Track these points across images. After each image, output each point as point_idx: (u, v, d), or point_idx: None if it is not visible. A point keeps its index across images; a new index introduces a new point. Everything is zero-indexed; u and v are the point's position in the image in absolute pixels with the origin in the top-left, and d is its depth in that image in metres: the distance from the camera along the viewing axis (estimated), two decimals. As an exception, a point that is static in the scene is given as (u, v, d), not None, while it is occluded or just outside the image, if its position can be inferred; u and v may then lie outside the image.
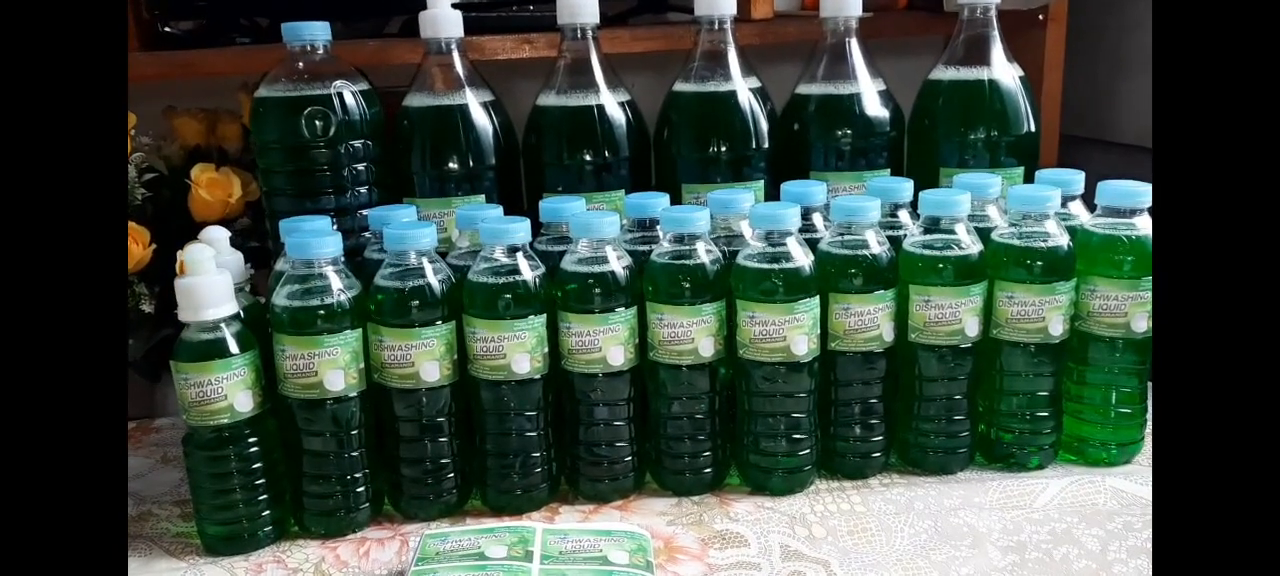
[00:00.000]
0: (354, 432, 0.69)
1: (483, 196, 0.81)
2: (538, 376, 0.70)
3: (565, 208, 0.74)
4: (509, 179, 0.84)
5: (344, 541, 0.69)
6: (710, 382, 0.72)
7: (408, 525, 0.71)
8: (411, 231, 0.67)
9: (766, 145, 0.82)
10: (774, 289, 0.69)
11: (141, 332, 0.94)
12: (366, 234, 0.78)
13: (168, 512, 0.74)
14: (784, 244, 0.69)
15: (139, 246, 0.91)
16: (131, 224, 0.92)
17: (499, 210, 0.75)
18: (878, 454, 0.76)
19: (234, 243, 1.02)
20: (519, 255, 0.69)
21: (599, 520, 0.71)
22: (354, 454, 0.69)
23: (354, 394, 0.68)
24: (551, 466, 0.73)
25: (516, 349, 0.68)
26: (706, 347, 0.71)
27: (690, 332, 0.70)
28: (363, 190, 0.80)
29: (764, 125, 0.83)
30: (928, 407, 0.75)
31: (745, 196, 0.75)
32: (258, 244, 0.90)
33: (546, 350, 0.70)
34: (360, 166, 0.79)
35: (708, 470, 0.74)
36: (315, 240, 0.66)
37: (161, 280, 0.89)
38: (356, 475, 0.70)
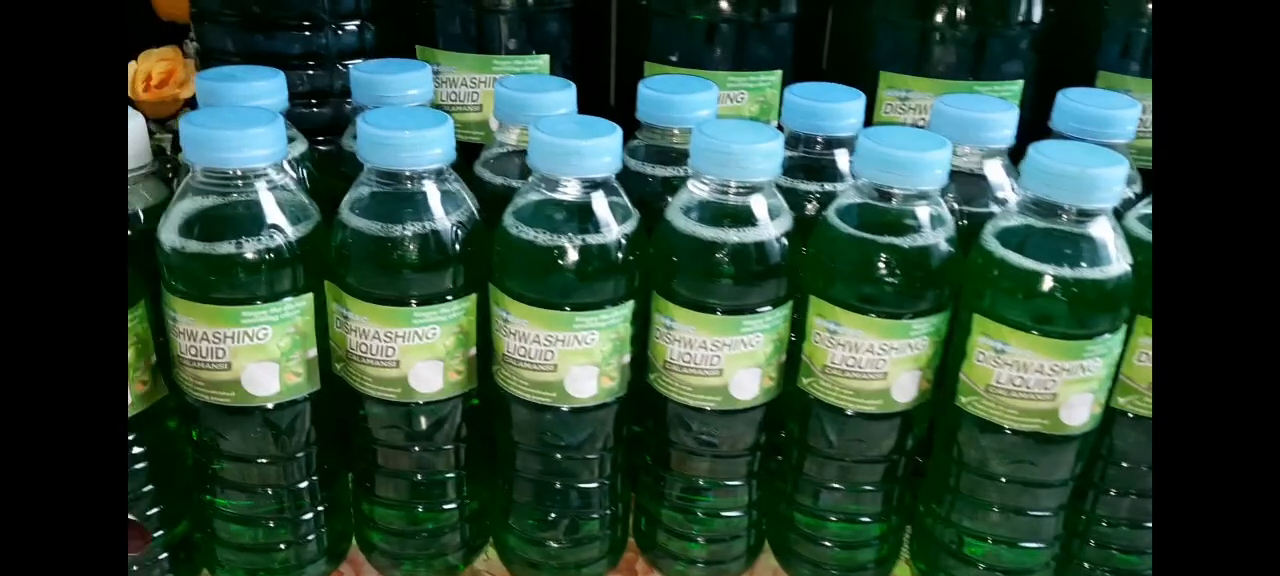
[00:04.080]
0: (300, 457, 0.42)
1: (545, 59, 0.49)
2: (611, 400, 0.41)
3: (676, 99, 0.43)
4: (590, 36, 0.52)
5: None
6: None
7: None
8: (397, 137, 0.37)
9: (1037, 18, 0.48)
10: (1053, 313, 0.37)
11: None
12: (351, 105, 0.47)
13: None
14: (1085, 226, 0.37)
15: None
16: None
17: (569, 93, 0.43)
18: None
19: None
20: (598, 194, 0.38)
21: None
22: (300, 485, 0.42)
23: (301, 398, 0.40)
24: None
25: (576, 358, 0.39)
26: (905, 388, 0.40)
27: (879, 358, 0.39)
28: (351, 28, 0.48)
29: (1036, -16, 0.48)
30: None
31: (1003, 116, 0.42)
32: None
33: (627, 359, 0.41)
34: (348, -12, 0.48)
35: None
36: (233, 131, 0.36)
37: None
38: (305, 516, 0.43)
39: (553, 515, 0.44)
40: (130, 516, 0.35)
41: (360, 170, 0.39)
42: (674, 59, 0.48)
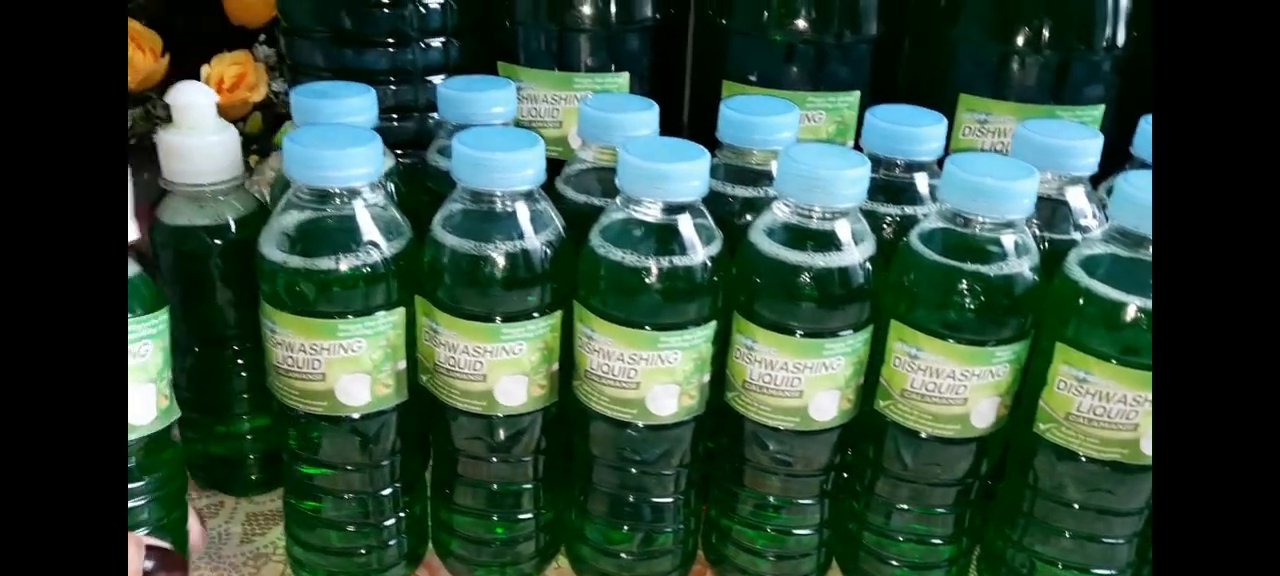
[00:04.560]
0: (385, 464, 0.43)
1: (625, 77, 0.50)
2: (690, 419, 0.42)
3: (759, 121, 0.43)
4: (668, 54, 0.52)
5: (360, 624, 0.45)
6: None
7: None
8: (493, 159, 0.38)
9: (1121, 42, 0.47)
10: (1140, 344, 0.37)
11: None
12: (434, 120, 0.48)
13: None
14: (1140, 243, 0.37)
15: (147, 55, 0.66)
16: (136, 27, 0.67)
17: (652, 113, 0.44)
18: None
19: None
20: (685, 217, 0.39)
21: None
22: (384, 492, 0.44)
23: (389, 408, 0.41)
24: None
25: (658, 377, 0.40)
26: (983, 412, 0.41)
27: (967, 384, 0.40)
28: (436, 45, 0.50)
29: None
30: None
31: (1088, 143, 0.42)
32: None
33: (707, 378, 0.41)
34: (433, 4, 0.49)
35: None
36: (335, 151, 0.37)
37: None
38: (387, 521, 0.44)
39: (626, 527, 0.45)
40: (167, 546, 0.35)
41: (445, 184, 0.40)
42: (752, 78, 0.49)
